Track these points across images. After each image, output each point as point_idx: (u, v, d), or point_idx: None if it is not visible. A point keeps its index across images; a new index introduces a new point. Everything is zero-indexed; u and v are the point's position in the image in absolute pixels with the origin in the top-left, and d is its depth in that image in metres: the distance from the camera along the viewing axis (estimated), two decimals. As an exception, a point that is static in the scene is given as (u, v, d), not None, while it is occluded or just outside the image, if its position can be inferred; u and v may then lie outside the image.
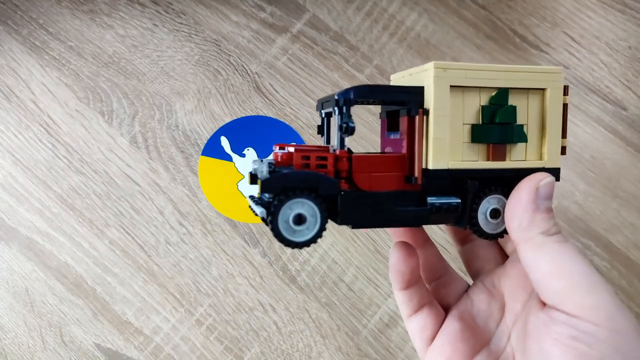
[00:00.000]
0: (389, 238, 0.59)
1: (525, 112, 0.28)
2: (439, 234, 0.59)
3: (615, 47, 0.62)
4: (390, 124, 0.30)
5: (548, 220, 0.25)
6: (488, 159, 0.27)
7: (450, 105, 0.26)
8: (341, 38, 0.63)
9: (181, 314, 0.59)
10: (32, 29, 0.64)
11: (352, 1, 0.64)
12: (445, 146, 0.26)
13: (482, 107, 0.27)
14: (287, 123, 0.62)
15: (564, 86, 0.28)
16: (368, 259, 0.59)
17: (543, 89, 0.28)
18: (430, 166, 0.26)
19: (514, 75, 0.27)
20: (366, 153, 0.28)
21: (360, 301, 0.59)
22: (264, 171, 0.26)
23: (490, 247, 0.31)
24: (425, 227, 0.32)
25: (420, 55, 0.63)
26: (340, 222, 0.27)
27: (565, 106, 0.28)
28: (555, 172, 0.27)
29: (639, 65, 0.62)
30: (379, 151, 0.31)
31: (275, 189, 0.25)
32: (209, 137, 0.62)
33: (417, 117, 0.27)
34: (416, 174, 0.27)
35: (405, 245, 0.29)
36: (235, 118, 0.62)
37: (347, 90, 0.26)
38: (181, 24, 0.64)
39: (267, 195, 0.26)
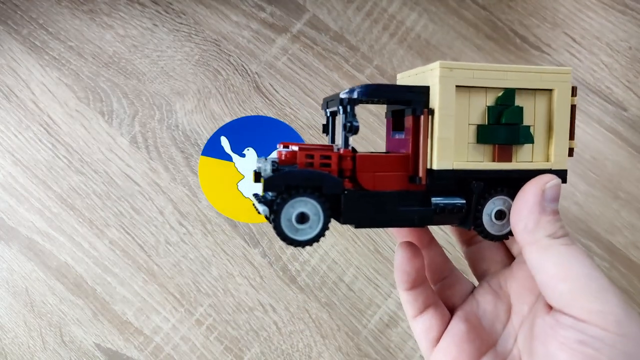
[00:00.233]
0: (389, 238, 0.59)
1: (532, 113, 0.27)
2: (440, 234, 0.59)
3: (616, 48, 0.62)
4: (395, 123, 0.30)
5: (554, 222, 0.25)
6: (494, 160, 0.27)
7: (456, 105, 0.26)
8: (341, 38, 0.63)
9: (181, 314, 0.59)
10: (32, 29, 0.64)
11: (352, 1, 0.64)
12: (450, 146, 0.26)
13: (489, 107, 0.27)
14: (287, 123, 0.62)
15: (572, 87, 0.27)
16: (368, 259, 0.59)
17: (550, 90, 0.27)
18: (435, 166, 0.26)
19: (521, 76, 0.27)
20: (371, 152, 0.28)
21: (360, 301, 0.59)
22: (267, 169, 0.26)
23: (496, 248, 0.31)
24: (429, 227, 0.32)
25: (420, 56, 0.63)
26: (343, 221, 0.27)
27: (573, 107, 0.28)
28: (562, 174, 0.27)
29: (639, 66, 0.61)
30: (383, 151, 0.31)
31: (279, 187, 0.25)
32: (209, 137, 0.62)
33: (422, 117, 0.26)
34: (420, 174, 0.27)
35: (410, 245, 0.29)
36: (235, 118, 0.62)
37: (351, 90, 0.26)
38: (181, 24, 0.64)
39: (270, 193, 0.26)
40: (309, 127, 0.62)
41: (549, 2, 0.63)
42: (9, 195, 0.62)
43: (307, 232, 0.26)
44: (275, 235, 0.26)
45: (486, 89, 0.27)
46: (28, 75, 0.64)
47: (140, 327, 0.59)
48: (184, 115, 0.62)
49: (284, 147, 0.28)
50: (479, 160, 0.27)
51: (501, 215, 0.27)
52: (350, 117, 0.26)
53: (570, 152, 0.28)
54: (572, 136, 0.28)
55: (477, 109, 0.27)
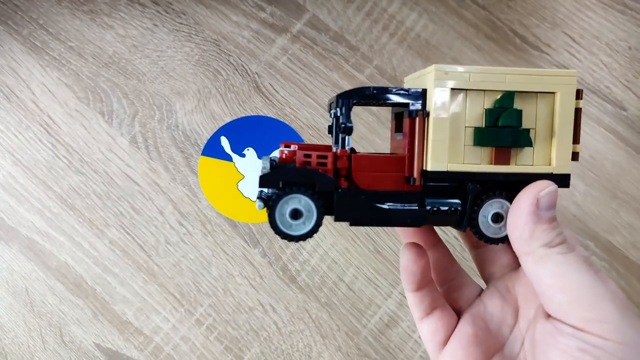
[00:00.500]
0: (389, 238, 0.60)
1: (534, 116, 0.27)
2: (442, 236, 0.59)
3: (615, 48, 0.62)
4: (397, 124, 0.30)
5: (550, 231, 0.24)
6: (491, 163, 0.27)
7: (452, 108, 0.26)
8: (341, 38, 0.63)
9: (181, 314, 0.59)
10: (33, 29, 0.64)
11: (352, 1, 0.64)
12: (444, 148, 0.26)
13: (486, 110, 0.27)
14: (287, 123, 0.62)
15: (578, 90, 0.27)
16: (368, 259, 0.59)
17: (553, 93, 0.27)
18: (429, 167, 0.27)
19: (520, 78, 0.26)
20: (370, 153, 0.29)
21: (360, 301, 0.59)
22: (266, 167, 0.27)
23: (504, 251, 0.31)
24: (435, 229, 0.32)
25: (420, 56, 0.63)
26: (335, 218, 0.27)
27: (578, 110, 0.27)
28: (564, 179, 0.27)
29: (639, 66, 0.62)
30: (384, 151, 0.31)
31: (273, 184, 0.27)
32: (209, 137, 0.62)
33: (416, 119, 0.27)
34: (415, 174, 0.27)
35: (415, 246, 0.29)
36: (235, 118, 0.62)
37: (347, 92, 0.27)
38: (181, 24, 0.64)
39: (270, 190, 0.28)
40: (309, 127, 0.62)
41: (549, 1, 0.63)
42: (9, 195, 0.62)
43: (301, 227, 0.27)
44: (275, 235, 0.27)
45: (484, 91, 0.26)
46: (28, 75, 0.64)
47: (140, 327, 0.59)
48: (184, 115, 0.63)
49: (286, 146, 0.28)
50: (476, 162, 0.27)
51: (498, 218, 0.27)
52: (344, 118, 0.27)
53: (575, 156, 0.27)
54: (576, 140, 0.27)
55: (475, 111, 0.27)
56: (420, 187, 0.27)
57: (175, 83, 0.63)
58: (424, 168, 0.27)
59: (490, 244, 0.28)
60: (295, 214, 0.27)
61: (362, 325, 0.58)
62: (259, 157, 0.62)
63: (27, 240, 0.61)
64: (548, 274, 0.24)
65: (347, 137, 0.27)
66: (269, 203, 0.26)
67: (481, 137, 0.27)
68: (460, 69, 0.26)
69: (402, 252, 0.29)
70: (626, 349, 0.22)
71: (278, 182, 0.27)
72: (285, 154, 0.28)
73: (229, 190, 0.61)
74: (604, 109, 0.61)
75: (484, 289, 0.32)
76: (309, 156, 0.27)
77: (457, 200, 0.27)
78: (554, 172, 0.27)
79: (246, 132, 0.62)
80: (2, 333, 0.60)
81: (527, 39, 0.63)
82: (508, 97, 0.26)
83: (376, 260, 0.59)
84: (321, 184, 0.27)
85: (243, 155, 0.62)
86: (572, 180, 0.59)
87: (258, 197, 0.28)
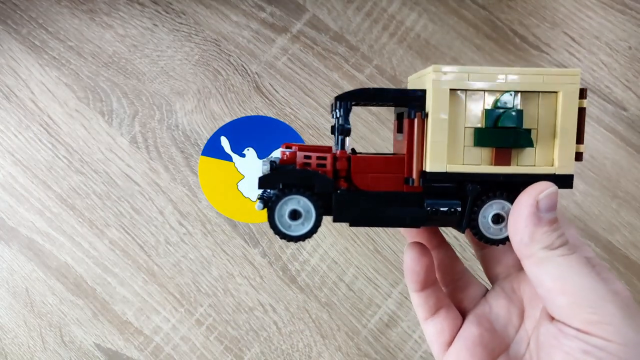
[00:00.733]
0: (389, 238, 0.60)
1: (536, 116, 0.27)
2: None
3: (615, 48, 0.62)
4: (398, 125, 0.30)
5: (550, 233, 0.24)
6: (492, 164, 0.27)
7: (451, 109, 0.26)
8: (341, 38, 0.63)
9: (181, 314, 0.59)
10: (32, 29, 0.64)
11: (352, 1, 0.64)
12: (443, 149, 0.26)
13: (486, 110, 0.26)
14: (287, 123, 0.62)
15: (581, 89, 0.27)
16: (368, 259, 0.59)
17: (555, 92, 0.26)
18: (428, 168, 0.27)
19: (520, 78, 0.26)
20: (370, 154, 0.29)
21: (360, 301, 0.59)
22: (266, 168, 0.28)
23: (509, 251, 0.30)
24: (440, 229, 0.32)
25: (420, 56, 0.63)
26: (334, 219, 0.28)
27: (582, 110, 0.27)
28: (567, 179, 0.27)
29: (639, 66, 0.62)
30: (384, 151, 0.31)
31: (271, 185, 0.27)
32: (209, 137, 0.62)
33: (415, 120, 0.27)
34: (413, 175, 0.27)
35: (418, 245, 0.29)
36: (235, 118, 0.62)
37: (345, 94, 0.27)
38: (181, 24, 0.64)
39: (270, 191, 0.28)
40: (309, 127, 0.62)
41: (549, 1, 0.63)
42: (9, 195, 0.62)
43: (300, 228, 0.27)
44: (275, 235, 0.27)
45: (484, 91, 0.26)
46: (28, 74, 0.63)
47: (140, 327, 0.59)
48: (184, 115, 0.62)
49: (287, 147, 0.29)
50: (476, 163, 0.27)
51: (499, 219, 0.27)
52: (342, 119, 0.27)
53: (579, 156, 0.27)
54: (580, 140, 0.27)
55: (475, 111, 0.27)
56: (420, 187, 0.27)
57: (175, 83, 0.63)
58: (423, 169, 0.27)
59: (490, 245, 0.28)
60: (294, 215, 0.27)
61: (362, 325, 0.58)
62: (259, 157, 0.62)
63: (27, 240, 0.61)
64: (549, 277, 0.24)
65: (345, 138, 0.28)
66: (269, 204, 0.27)
67: (481, 137, 0.26)
68: (459, 69, 0.26)
69: (406, 252, 0.29)
70: (629, 350, 0.22)
71: (277, 183, 0.27)
72: (287, 155, 0.28)
73: (229, 190, 0.61)
74: (604, 109, 0.61)
75: (489, 289, 0.31)
76: (309, 157, 0.28)
77: (456, 201, 0.27)
78: (557, 173, 0.27)
79: (246, 132, 0.62)
80: (2, 333, 0.60)
81: (527, 38, 0.63)
82: (508, 97, 0.26)
83: (376, 260, 0.59)
84: (319, 186, 0.27)
85: (243, 155, 0.62)
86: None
87: (259, 198, 0.28)
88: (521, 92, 0.26)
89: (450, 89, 0.26)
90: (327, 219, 0.28)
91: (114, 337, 0.59)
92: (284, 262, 0.60)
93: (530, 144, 0.26)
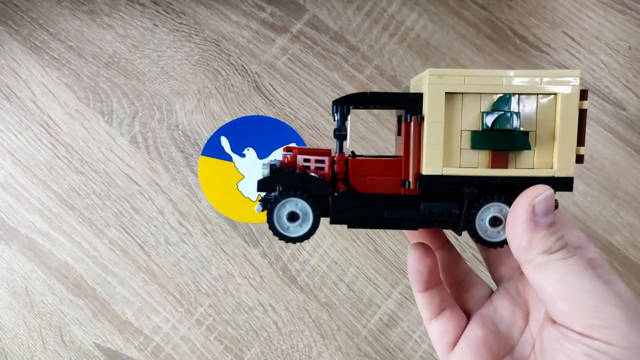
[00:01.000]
0: (389, 238, 0.60)
1: (534, 118, 0.26)
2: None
3: (615, 48, 0.62)
4: (399, 127, 0.30)
5: (548, 237, 0.24)
6: (489, 167, 0.27)
7: (447, 112, 0.26)
8: (341, 38, 0.63)
9: (181, 314, 0.59)
10: (33, 29, 0.64)
11: (352, 1, 0.64)
12: (439, 152, 0.26)
13: (482, 113, 0.26)
14: (287, 123, 0.62)
15: (582, 90, 0.26)
16: (368, 259, 0.59)
17: (554, 94, 0.26)
18: (424, 171, 0.27)
19: (518, 81, 0.26)
20: (369, 156, 0.29)
21: (360, 301, 0.59)
22: (266, 171, 0.28)
23: None
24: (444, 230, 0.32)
25: (420, 56, 0.63)
26: (331, 221, 0.28)
27: (583, 112, 0.26)
28: (567, 182, 0.26)
29: (639, 66, 0.62)
30: (384, 152, 0.32)
31: (269, 188, 0.28)
32: (209, 137, 0.62)
33: (411, 123, 0.27)
34: (410, 178, 0.27)
35: (421, 245, 0.29)
36: (235, 118, 0.62)
37: (342, 98, 0.27)
38: (181, 24, 0.64)
39: (272, 193, 0.29)
40: (309, 127, 0.62)
41: (549, 1, 0.63)
42: (9, 195, 0.62)
43: (298, 229, 0.28)
44: (274, 236, 0.28)
45: (480, 94, 0.26)
46: (28, 75, 0.64)
47: (140, 327, 0.59)
48: (184, 115, 0.63)
49: (287, 151, 0.29)
50: (473, 166, 0.27)
51: (496, 221, 0.27)
52: (339, 124, 0.28)
53: (579, 158, 0.27)
54: (581, 142, 0.26)
55: (471, 114, 0.26)
56: (417, 190, 0.27)
57: (175, 83, 0.63)
58: (420, 172, 0.27)
59: (488, 248, 0.28)
60: (293, 217, 0.28)
61: (362, 325, 0.58)
62: (259, 157, 0.62)
63: (27, 240, 0.61)
64: (549, 282, 0.23)
65: (343, 142, 0.28)
66: (267, 206, 0.28)
67: (478, 140, 0.26)
68: (455, 72, 0.26)
69: (409, 253, 0.29)
70: (632, 353, 0.22)
71: (275, 186, 0.28)
72: (287, 158, 0.29)
73: (229, 190, 0.61)
74: (604, 109, 0.61)
75: (494, 290, 0.31)
76: (308, 160, 0.28)
77: (452, 204, 0.27)
78: (556, 175, 0.26)
79: (246, 132, 0.62)
80: (2, 333, 0.60)
81: (527, 39, 0.63)
82: (504, 99, 0.26)
83: (376, 260, 0.59)
84: (316, 188, 0.27)
85: (243, 155, 0.62)
86: (572, 180, 0.59)
87: (261, 200, 0.29)
88: (519, 94, 0.26)
89: (447, 92, 0.26)
90: (326, 220, 0.28)
91: (114, 337, 0.59)
92: (284, 262, 0.60)
93: (527, 146, 0.26)
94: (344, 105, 0.27)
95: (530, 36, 0.63)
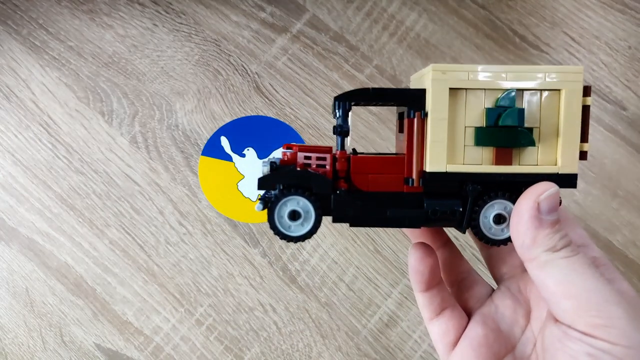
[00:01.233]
0: (389, 238, 0.60)
1: (538, 114, 0.26)
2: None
3: (615, 47, 0.62)
4: (400, 124, 0.30)
5: (552, 235, 0.24)
6: (493, 163, 0.26)
7: (451, 108, 0.26)
8: (341, 38, 0.63)
9: (181, 314, 0.59)
10: (32, 29, 0.64)
11: (352, 1, 0.64)
12: (442, 149, 0.26)
13: (486, 109, 0.26)
14: (287, 123, 0.62)
15: (586, 86, 0.26)
16: (368, 259, 0.59)
17: (558, 90, 0.26)
18: (427, 169, 0.26)
19: (521, 76, 0.26)
20: (370, 154, 0.28)
21: (360, 301, 0.59)
22: (266, 170, 0.28)
23: (515, 252, 0.29)
24: (445, 229, 0.32)
25: (420, 56, 0.63)
26: (333, 219, 0.28)
27: (586, 108, 0.26)
28: (570, 179, 0.26)
29: (638, 65, 0.62)
30: (384, 150, 0.31)
31: (270, 186, 0.27)
32: (209, 137, 0.62)
33: (414, 120, 0.27)
34: (413, 175, 0.27)
35: (423, 245, 0.29)
36: (235, 118, 0.62)
37: (344, 94, 0.27)
38: (181, 24, 0.64)
39: (272, 192, 0.28)
40: (309, 127, 0.62)
41: (548, 1, 0.63)
42: (9, 195, 0.62)
43: (299, 228, 0.27)
44: (275, 235, 0.27)
45: (484, 90, 0.26)
46: (28, 75, 0.64)
47: (140, 327, 0.59)
48: (184, 115, 0.62)
49: (287, 148, 0.29)
50: (477, 163, 0.26)
51: (500, 219, 0.27)
52: (341, 120, 0.27)
53: (583, 155, 0.26)
54: (585, 138, 0.26)
55: (475, 110, 0.26)
56: (420, 188, 0.27)
57: (175, 83, 0.63)
58: (423, 169, 0.27)
59: (492, 245, 0.28)
60: (294, 215, 0.27)
61: (362, 325, 0.58)
62: (259, 157, 0.62)
63: (27, 240, 0.61)
64: (552, 281, 0.23)
65: (345, 138, 0.28)
66: (268, 204, 0.27)
67: (482, 137, 0.26)
68: (458, 67, 0.26)
69: (410, 252, 0.29)
70: (635, 352, 0.21)
71: (275, 184, 0.27)
72: (287, 156, 0.28)
73: (229, 190, 0.61)
74: (604, 108, 0.61)
75: (495, 289, 0.31)
76: (309, 158, 0.28)
77: (456, 202, 0.27)
78: (560, 172, 0.26)
79: (246, 132, 0.62)
80: (2, 333, 0.60)
81: (526, 38, 0.63)
82: (509, 95, 0.26)
83: (376, 260, 0.59)
84: (317, 186, 0.27)
85: (243, 155, 0.62)
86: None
87: (260, 198, 0.28)
88: (523, 90, 0.26)
89: (450, 88, 0.26)
90: (327, 219, 0.28)
91: (114, 337, 0.59)
92: (284, 262, 0.60)
93: (531, 143, 0.26)
94: (345, 101, 0.27)
95: (530, 35, 0.63)
